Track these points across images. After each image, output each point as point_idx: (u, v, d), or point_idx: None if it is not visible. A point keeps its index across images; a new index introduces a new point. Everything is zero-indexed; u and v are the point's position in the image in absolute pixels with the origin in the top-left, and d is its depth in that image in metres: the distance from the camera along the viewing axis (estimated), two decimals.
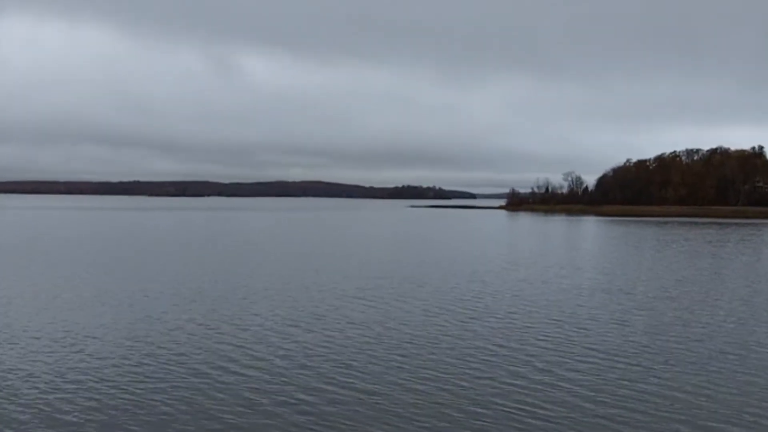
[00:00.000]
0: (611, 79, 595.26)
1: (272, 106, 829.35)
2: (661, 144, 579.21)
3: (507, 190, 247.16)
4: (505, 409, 14.57)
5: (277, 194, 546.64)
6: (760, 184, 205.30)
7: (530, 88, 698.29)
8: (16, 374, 16.86)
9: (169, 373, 17.15)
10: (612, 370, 17.64)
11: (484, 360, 18.70)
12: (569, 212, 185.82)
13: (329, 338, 21.31)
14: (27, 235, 73.58)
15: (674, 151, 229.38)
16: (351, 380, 16.62)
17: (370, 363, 18.30)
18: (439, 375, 17.14)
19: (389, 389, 15.92)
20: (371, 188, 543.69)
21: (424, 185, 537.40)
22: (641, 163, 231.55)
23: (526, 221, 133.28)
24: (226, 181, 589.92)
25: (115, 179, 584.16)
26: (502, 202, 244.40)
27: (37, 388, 15.76)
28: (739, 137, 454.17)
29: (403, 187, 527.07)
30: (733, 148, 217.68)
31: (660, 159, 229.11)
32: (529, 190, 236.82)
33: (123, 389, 15.73)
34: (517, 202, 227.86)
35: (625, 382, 16.54)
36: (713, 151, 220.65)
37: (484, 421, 13.82)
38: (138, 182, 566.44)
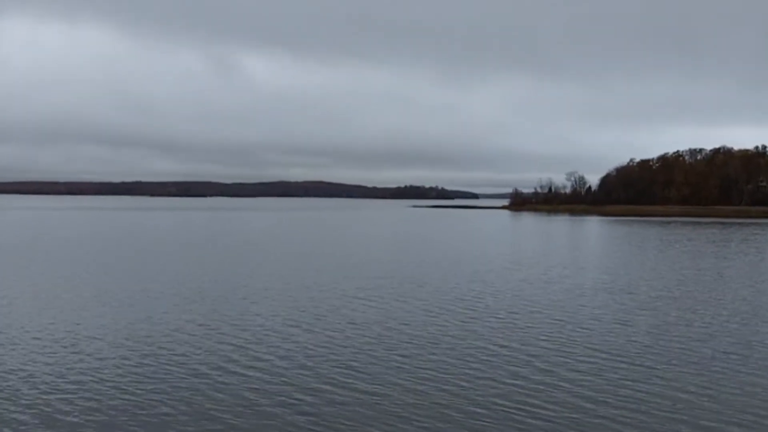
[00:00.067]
0: (611, 79, 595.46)
1: (272, 106, 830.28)
2: (662, 144, 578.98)
3: (509, 190, 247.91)
4: (505, 409, 14.50)
5: (279, 194, 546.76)
6: (764, 183, 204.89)
7: (530, 88, 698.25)
8: (16, 374, 16.82)
9: (169, 373, 17.11)
10: (614, 371, 17.56)
11: (484, 360, 18.62)
12: (572, 212, 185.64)
13: (330, 338, 21.26)
14: (27, 235, 73.66)
15: (677, 151, 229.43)
16: (351, 380, 16.56)
17: (370, 363, 18.24)
18: (440, 375, 17.07)
19: (390, 389, 15.85)
20: (373, 188, 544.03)
21: (426, 185, 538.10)
22: (644, 163, 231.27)
23: (529, 221, 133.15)
24: (228, 182, 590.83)
25: (116, 179, 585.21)
26: (505, 202, 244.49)
27: (37, 388, 15.73)
28: (740, 137, 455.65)
29: (405, 187, 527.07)
30: (736, 147, 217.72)
31: (663, 159, 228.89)
32: (532, 190, 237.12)
33: (123, 389, 15.69)
34: (519, 202, 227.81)
35: (628, 383, 16.46)
36: (716, 151, 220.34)
37: (484, 422, 13.74)
38: (140, 182, 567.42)
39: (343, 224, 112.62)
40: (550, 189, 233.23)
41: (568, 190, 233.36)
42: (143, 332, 21.82)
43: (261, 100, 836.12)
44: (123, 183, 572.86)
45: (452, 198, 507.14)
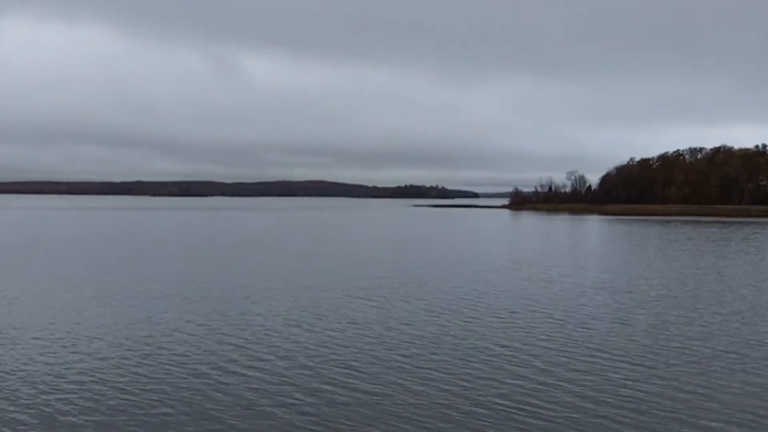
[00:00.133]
0: (611, 79, 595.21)
1: (272, 106, 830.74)
2: (662, 143, 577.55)
3: (509, 190, 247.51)
4: (506, 409, 14.49)
5: (280, 194, 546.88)
6: (764, 182, 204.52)
7: (530, 88, 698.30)
8: (16, 375, 16.82)
9: (169, 373, 17.10)
10: (614, 370, 17.54)
11: (485, 360, 18.61)
12: (572, 211, 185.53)
13: (330, 338, 21.25)
14: (28, 235, 73.67)
15: (677, 150, 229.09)
16: (352, 381, 16.55)
17: (371, 363, 18.23)
18: (441, 375, 17.06)
19: (390, 389, 15.84)
20: (374, 188, 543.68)
21: (427, 185, 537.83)
22: (645, 162, 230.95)
23: (529, 220, 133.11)
24: (229, 181, 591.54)
25: (116, 179, 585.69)
26: (505, 201, 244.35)
27: (37, 388, 15.72)
28: (740, 136, 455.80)
29: (406, 186, 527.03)
30: (736, 146, 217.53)
31: (663, 158, 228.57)
32: (532, 190, 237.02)
33: (123, 389, 15.68)
34: (520, 202, 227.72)
35: (628, 382, 16.45)
36: (716, 150, 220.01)
37: (485, 422, 13.73)
38: (140, 182, 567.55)
39: (343, 224, 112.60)
40: (550, 188, 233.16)
41: (568, 190, 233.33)
42: (143, 332, 21.82)
43: (261, 100, 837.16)
44: (123, 183, 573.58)
45: (452, 197, 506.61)
